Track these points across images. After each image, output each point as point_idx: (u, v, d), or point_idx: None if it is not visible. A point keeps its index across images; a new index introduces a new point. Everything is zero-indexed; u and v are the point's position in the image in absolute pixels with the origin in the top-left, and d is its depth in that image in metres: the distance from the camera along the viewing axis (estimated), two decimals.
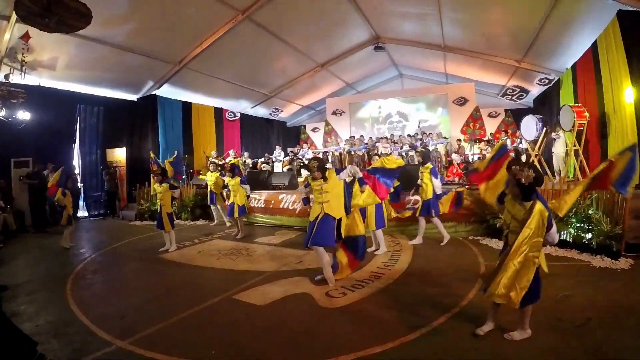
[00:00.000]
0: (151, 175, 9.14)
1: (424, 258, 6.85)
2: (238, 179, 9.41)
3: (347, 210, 5.83)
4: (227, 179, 9.65)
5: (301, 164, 5.85)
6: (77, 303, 5.25)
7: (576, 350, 3.41)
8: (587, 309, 4.23)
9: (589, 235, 6.51)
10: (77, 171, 14.18)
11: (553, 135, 10.78)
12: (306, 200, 6.13)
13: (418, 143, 15.65)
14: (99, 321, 4.55)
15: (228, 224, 11.11)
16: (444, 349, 3.61)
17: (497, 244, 7.37)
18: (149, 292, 5.74)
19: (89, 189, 14.57)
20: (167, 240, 8.46)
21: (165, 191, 8.37)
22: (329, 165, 13.93)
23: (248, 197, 9.84)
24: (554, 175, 10.28)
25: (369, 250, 7.23)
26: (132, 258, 7.93)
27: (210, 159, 15.95)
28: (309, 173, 5.76)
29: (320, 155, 16.74)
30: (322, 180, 5.58)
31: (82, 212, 14.37)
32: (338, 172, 5.72)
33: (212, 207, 11.84)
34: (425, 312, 4.39)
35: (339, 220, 5.60)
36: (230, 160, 14.87)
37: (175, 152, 12.85)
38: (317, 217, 5.51)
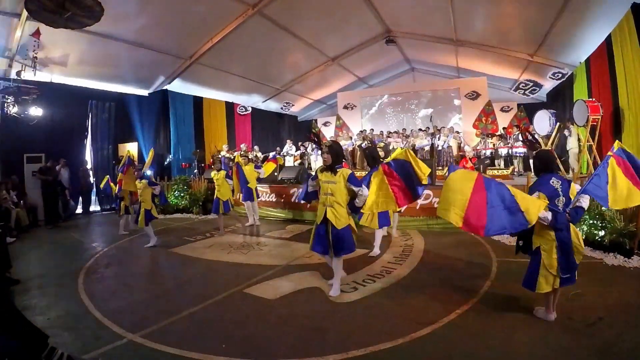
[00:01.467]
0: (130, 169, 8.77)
1: (436, 253, 6.81)
2: (223, 172, 9.14)
3: (355, 210, 5.04)
4: (212, 173, 9.37)
5: (315, 139, 5.35)
6: (88, 296, 5.29)
7: (587, 349, 3.37)
8: (598, 308, 4.18)
9: (602, 233, 6.43)
10: (89, 166, 14.30)
11: (565, 132, 10.70)
12: (305, 196, 5.21)
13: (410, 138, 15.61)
14: (110, 315, 4.57)
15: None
16: (455, 345, 3.59)
17: (509, 239, 7.30)
18: (159, 286, 5.78)
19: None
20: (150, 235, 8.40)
21: (144, 187, 8.24)
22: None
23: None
24: (567, 172, 10.19)
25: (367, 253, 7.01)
26: (143, 252, 7.98)
27: (220, 153, 16.01)
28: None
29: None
30: (330, 173, 4.78)
31: (95, 207, 14.49)
32: (353, 180, 4.75)
33: (245, 205, 10.58)
34: (437, 308, 4.38)
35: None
36: (226, 155, 14.98)
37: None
38: (326, 224, 4.80)
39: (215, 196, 9.18)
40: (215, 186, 9.17)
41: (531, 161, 5.46)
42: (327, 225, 4.78)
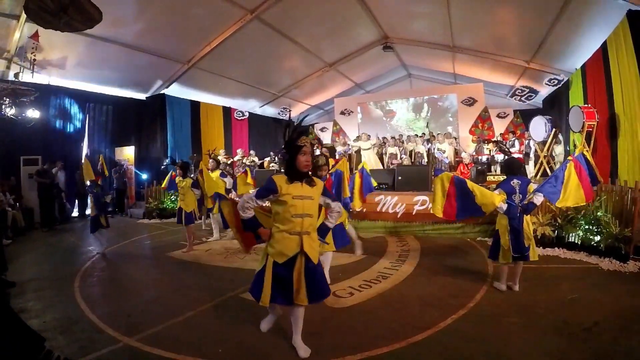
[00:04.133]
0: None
1: (432, 259, 6.82)
2: (189, 180, 8.29)
3: (325, 234, 4.09)
4: (177, 180, 8.57)
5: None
6: (84, 300, 5.27)
7: (583, 353, 3.38)
8: (594, 312, 4.20)
9: (597, 238, 6.46)
10: None
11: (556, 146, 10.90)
12: (251, 223, 3.62)
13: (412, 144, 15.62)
14: (106, 318, 4.56)
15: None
16: (452, 350, 3.59)
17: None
18: (156, 290, 5.76)
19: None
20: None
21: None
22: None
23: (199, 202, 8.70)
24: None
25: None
26: (139, 256, 7.96)
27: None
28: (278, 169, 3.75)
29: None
30: (306, 184, 3.43)
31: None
32: (327, 192, 3.77)
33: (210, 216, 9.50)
34: (433, 313, 4.38)
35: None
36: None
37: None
38: (294, 260, 3.41)
39: (178, 205, 8.44)
40: (179, 195, 8.42)
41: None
42: (295, 263, 3.41)
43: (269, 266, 3.41)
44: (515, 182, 5.01)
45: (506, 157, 6.31)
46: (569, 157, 5.25)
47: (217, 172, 8.98)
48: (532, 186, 5.09)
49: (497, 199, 4.92)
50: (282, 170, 3.87)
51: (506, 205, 4.94)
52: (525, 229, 4.94)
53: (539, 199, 5.01)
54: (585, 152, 5.43)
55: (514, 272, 5.09)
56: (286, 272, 3.39)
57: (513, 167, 5.29)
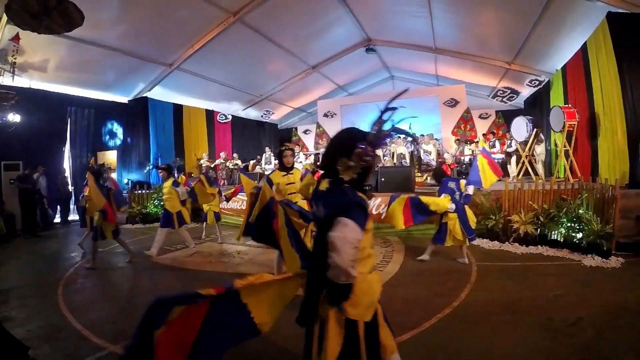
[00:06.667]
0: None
1: (416, 259, 6.84)
2: (171, 180, 8.07)
3: None
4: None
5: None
6: (68, 308, 5.19)
7: (567, 349, 3.43)
8: (578, 308, 4.27)
9: (579, 235, 6.56)
10: (67, 174, 14.08)
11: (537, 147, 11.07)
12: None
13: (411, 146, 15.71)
14: (90, 326, 4.50)
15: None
16: (437, 348, 3.61)
17: (488, 244, 7.42)
18: (140, 296, 5.69)
19: (80, 192, 14.40)
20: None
21: None
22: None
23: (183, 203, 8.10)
24: (536, 175, 10.40)
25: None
26: (122, 262, 7.86)
27: (200, 161, 15.88)
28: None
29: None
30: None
31: (74, 216, 14.21)
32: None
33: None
34: (418, 313, 4.40)
35: None
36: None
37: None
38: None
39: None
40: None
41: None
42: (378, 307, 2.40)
43: (362, 333, 2.16)
44: (451, 184, 6.37)
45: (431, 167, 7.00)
46: (477, 152, 7.17)
47: (170, 181, 8.05)
48: (463, 182, 6.45)
49: (446, 202, 6.16)
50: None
51: (454, 204, 6.20)
52: (469, 217, 6.36)
53: (471, 190, 6.46)
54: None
55: (461, 250, 6.49)
56: (375, 326, 2.34)
57: (442, 174, 6.66)
